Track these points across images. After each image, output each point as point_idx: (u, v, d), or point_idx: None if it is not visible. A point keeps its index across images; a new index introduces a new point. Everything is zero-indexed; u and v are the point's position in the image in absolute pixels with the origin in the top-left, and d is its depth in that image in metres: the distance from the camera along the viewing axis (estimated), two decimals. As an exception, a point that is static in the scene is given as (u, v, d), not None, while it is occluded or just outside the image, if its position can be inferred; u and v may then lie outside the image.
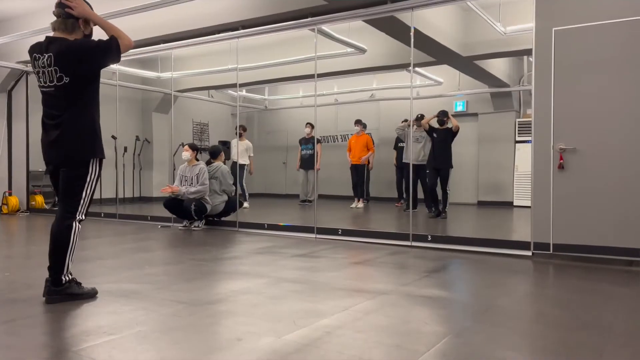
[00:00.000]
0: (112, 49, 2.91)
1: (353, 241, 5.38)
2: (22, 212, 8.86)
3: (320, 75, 7.29)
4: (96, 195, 10.01)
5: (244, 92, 11.70)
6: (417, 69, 8.65)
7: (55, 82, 2.90)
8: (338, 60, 7.91)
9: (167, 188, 6.30)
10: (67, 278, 2.96)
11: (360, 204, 9.14)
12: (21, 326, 2.56)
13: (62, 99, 2.92)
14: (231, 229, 6.40)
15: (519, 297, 3.33)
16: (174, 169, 9.31)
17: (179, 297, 3.05)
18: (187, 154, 6.48)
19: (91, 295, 3.05)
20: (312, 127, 9.59)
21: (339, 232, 5.60)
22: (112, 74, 8.78)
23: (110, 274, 3.80)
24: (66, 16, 2.93)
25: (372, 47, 7.68)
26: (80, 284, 3.05)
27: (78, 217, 2.98)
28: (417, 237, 5.14)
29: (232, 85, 9.80)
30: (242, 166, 9.24)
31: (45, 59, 2.90)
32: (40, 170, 8.70)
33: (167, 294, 3.13)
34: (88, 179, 2.98)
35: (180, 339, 2.31)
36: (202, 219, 6.45)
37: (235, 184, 7.00)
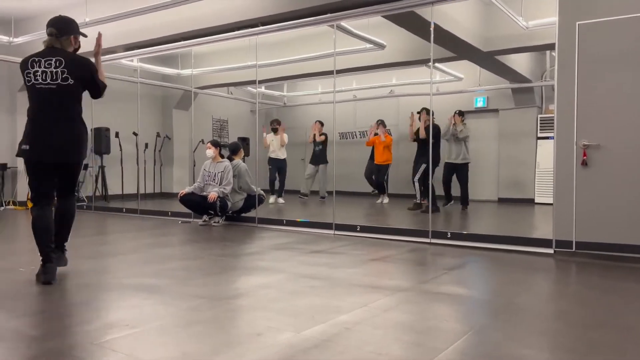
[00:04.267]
0: (100, 91, 3.51)
1: (372, 238, 5.37)
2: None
3: (339, 72, 7.28)
4: (118, 191, 10.10)
5: (263, 89, 11.74)
6: (437, 64, 8.57)
7: (59, 81, 3.31)
8: (357, 56, 7.89)
9: (212, 195, 6.24)
10: (66, 249, 3.62)
11: (386, 199, 9.23)
12: (46, 319, 2.62)
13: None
14: (250, 224, 6.44)
15: (540, 294, 3.28)
16: (194, 165, 9.41)
17: (199, 292, 3.09)
18: (210, 151, 6.54)
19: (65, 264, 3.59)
20: (322, 124, 9.66)
21: (358, 229, 5.59)
22: (134, 72, 8.90)
23: (132, 268, 3.86)
24: (60, 35, 3.42)
25: (391, 42, 7.64)
26: (65, 250, 3.64)
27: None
28: (437, 234, 5.10)
29: (252, 82, 9.88)
30: (279, 161, 9.36)
31: (53, 61, 3.32)
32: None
33: (187, 289, 3.17)
34: None
35: (200, 333, 2.34)
36: (223, 215, 6.50)
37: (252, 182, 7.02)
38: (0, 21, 8.39)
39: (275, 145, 9.41)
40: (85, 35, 3.58)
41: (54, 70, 3.28)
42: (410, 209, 7.80)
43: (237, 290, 3.23)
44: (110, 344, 2.15)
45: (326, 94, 11.36)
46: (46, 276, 3.22)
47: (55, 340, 2.25)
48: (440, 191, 7.88)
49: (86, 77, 3.39)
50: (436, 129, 7.51)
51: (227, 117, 12.52)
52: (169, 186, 11.07)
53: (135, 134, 9.56)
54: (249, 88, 11.48)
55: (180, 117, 11.32)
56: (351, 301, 2.88)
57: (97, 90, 3.48)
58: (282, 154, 9.47)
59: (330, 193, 8.52)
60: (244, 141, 10.59)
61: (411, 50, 7.79)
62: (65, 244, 3.61)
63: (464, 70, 9.59)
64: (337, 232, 5.67)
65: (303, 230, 5.91)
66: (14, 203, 9.08)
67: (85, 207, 8.64)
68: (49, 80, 3.28)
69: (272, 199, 9.16)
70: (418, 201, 7.90)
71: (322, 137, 9.63)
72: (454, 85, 9.94)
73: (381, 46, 7.50)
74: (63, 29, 3.43)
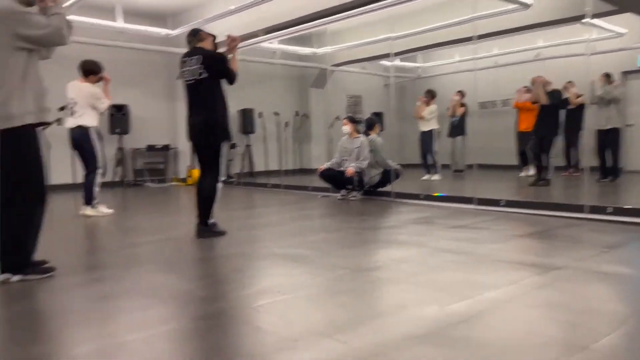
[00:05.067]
0: (232, 80, 4.03)
1: (517, 213, 5.06)
2: (203, 183, 10.00)
3: (481, 37, 6.86)
4: (262, 168, 10.73)
5: (397, 62, 11.56)
6: (594, 19, 7.65)
7: (197, 76, 3.93)
8: (498, 20, 7.36)
9: (349, 170, 6.39)
10: (211, 221, 4.08)
11: (531, 172, 8.53)
12: (211, 283, 2.93)
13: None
14: (386, 199, 6.47)
15: None
16: (330, 142, 9.67)
17: (341, 263, 3.20)
18: (346, 127, 6.67)
19: (222, 233, 4.10)
20: (462, 95, 9.13)
21: (501, 203, 5.31)
22: (273, 54, 9.35)
23: (279, 240, 4.12)
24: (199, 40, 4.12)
25: (537, 1, 6.99)
26: (216, 224, 4.13)
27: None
28: (594, 209, 4.63)
29: (386, 56, 9.76)
30: (428, 133, 8.83)
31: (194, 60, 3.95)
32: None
33: (330, 260, 3.30)
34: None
35: (346, 302, 2.43)
36: (360, 190, 6.62)
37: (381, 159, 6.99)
38: (159, 16, 9.34)
39: (426, 113, 8.87)
40: (214, 37, 4.21)
41: (195, 67, 3.92)
42: (532, 184, 7.20)
43: (377, 263, 3.28)
44: (264, 308, 2.33)
45: (464, 63, 10.82)
46: (196, 234, 4.06)
47: (219, 302, 2.51)
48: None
49: (219, 69, 3.94)
50: (557, 94, 7.10)
51: (361, 93, 12.60)
52: (308, 162, 11.53)
53: (276, 113, 10.10)
54: (383, 62, 11.37)
55: (316, 96, 11.65)
56: (498, 277, 2.76)
57: (230, 79, 4.00)
58: (428, 126, 8.86)
59: (470, 166, 8.17)
60: (378, 116, 10.58)
61: (560, 7, 7.05)
62: (210, 220, 4.07)
63: (626, 24, 8.42)
64: (478, 207, 5.44)
65: (441, 204, 5.77)
66: (177, 179, 10.20)
67: (234, 183, 9.39)
68: (191, 77, 3.95)
69: (426, 176, 8.78)
70: (531, 173, 7.50)
71: (462, 109, 9.18)
72: (612, 42, 8.80)
73: (525, 6, 6.90)
74: (197, 34, 4.15)
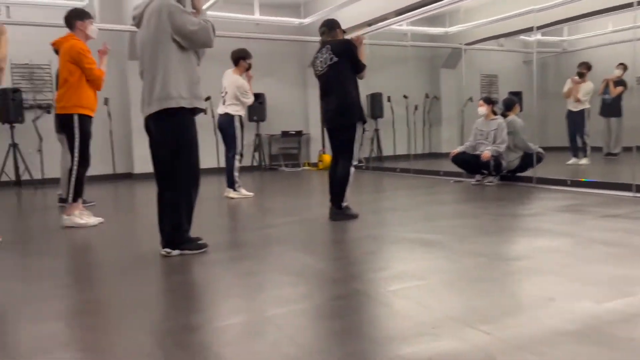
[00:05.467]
0: (360, 69, 4.12)
1: (688, 201, 4.40)
2: (333, 167, 10.24)
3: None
4: (389, 152, 10.67)
5: (539, 36, 10.64)
6: None
7: (328, 62, 4.13)
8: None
9: (485, 154, 6.06)
10: (345, 204, 4.17)
11: None
12: (345, 264, 2.99)
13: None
14: (527, 184, 6.03)
15: None
16: (463, 125, 9.27)
17: (479, 250, 3.06)
18: (482, 109, 6.34)
19: (355, 215, 4.17)
20: (625, 68, 8.06)
21: (667, 191, 4.66)
22: (404, 35, 9.17)
23: (411, 224, 4.06)
24: (329, 30, 4.25)
25: None
26: (350, 209, 4.20)
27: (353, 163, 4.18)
28: None
29: (528, 30, 9.04)
30: (579, 113, 7.98)
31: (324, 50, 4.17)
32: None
33: (466, 246, 3.18)
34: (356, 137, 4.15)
35: (486, 290, 2.32)
36: (497, 175, 6.26)
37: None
38: (293, 6, 9.66)
39: (581, 94, 7.99)
40: (344, 32, 4.42)
41: (325, 56, 4.13)
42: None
43: (519, 252, 3.08)
44: (401, 292, 2.31)
45: (619, 33, 9.61)
46: (330, 216, 4.19)
47: (355, 282, 2.55)
48: None
49: (347, 54, 4.06)
50: None
51: (497, 72, 11.85)
52: (438, 146, 11.20)
53: (405, 97, 9.93)
54: (522, 37, 10.55)
55: (447, 77, 11.22)
56: (666, 274, 2.43)
57: (358, 67, 4.10)
58: (579, 106, 7.98)
59: (628, 149, 7.27)
60: (517, 95, 9.87)
61: None
62: (343, 203, 4.17)
63: None
64: (638, 195, 4.84)
65: (592, 191, 5.23)
66: (309, 164, 10.57)
67: (363, 167, 9.47)
68: (323, 66, 4.15)
69: (572, 160, 8.00)
70: None
71: (620, 90, 8.10)
72: None
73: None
74: (330, 26, 4.27)
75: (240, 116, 5.76)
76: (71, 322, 2.17)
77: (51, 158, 8.09)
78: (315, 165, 10.34)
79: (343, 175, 4.13)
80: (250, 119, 9.63)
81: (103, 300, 2.45)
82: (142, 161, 8.39)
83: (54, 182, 8.25)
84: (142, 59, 3.11)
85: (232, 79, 5.76)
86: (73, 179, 4.23)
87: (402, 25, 8.95)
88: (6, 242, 3.72)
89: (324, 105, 4.25)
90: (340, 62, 4.06)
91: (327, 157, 10.30)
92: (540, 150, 6.27)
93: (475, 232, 3.66)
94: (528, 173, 6.20)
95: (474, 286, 2.40)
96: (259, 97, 9.65)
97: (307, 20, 9.07)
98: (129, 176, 9.08)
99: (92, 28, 4.32)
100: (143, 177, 8.39)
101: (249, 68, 5.84)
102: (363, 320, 2.04)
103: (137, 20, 3.15)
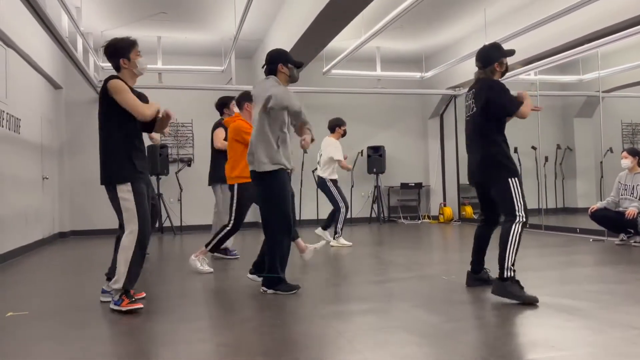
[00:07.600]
0: (508, 112, 3.48)
1: None
2: (455, 221, 9.89)
3: None
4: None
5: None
6: None
7: (470, 111, 3.56)
8: None
9: (631, 211, 5.49)
10: (509, 274, 3.23)
11: None
12: (474, 327, 2.80)
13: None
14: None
15: None
16: (601, 177, 8.47)
17: (631, 321, 2.70)
18: (626, 161, 5.79)
19: (530, 301, 3.12)
20: None
21: None
22: (531, 85, 8.79)
23: (546, 286, 3.73)
24: (484, 67, 3.50)
25: None
26: (522, 287, 3.21)
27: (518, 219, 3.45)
28: None
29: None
30: None
31: (471, 94, 3.56)
32: (468, 183, 9.51)
33: (614, 316, 2.82)
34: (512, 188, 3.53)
35: (644, 370, 2.02)
36: (644, 234, 5.58)
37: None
38: (414, 60, 9.79)
39: None
40: (512, 54, 3.51)
41: (470, 102, 3.56)
42: None
43: (683, 327, 2.66)
44: (539, 363, 2.10)
45: None
46: (467, 283, 3.75)
47: (486, 350, 2.37)
48: None
49: (489, 99, 3.37)
50: None
51: (640, 119, 10.78)
52: (572, 201, 10.33)
53: (533, 148, 9.38)
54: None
55: (582, 126, 10.44)
56: None
57: (504, 111, 3.42)
58: None
59: None
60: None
61: None
62: (507, 267, 3.26)
63: None
64: None
65: None
66: (428, 217, 10.32)
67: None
68: (467, 112, 3.60)
69: None
70: None
71: None
72: None
73: None
74: (485, 59, 3.48)
75: (331, 179, 6.32)
76: None
77: (189, 206, 8.85)
78: (435, 218, 10.06)
79: (504, 234, 3.43)
80: (370, 171, 9.73)
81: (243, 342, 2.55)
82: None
83: (191, 229, 9.01)
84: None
85: (327, 142, 6.40)
86: (221, 235, 4.50)
87: (529, 74, 8.61)
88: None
89: (468, 157, 3.70)
90: (477, 114, 3.46)
91: (448, 210, 9.99)
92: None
93: (623, 299, 3.25)
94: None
95: (628, 363, 2.11)
96: (378, 150, 9.77)
97: (428, 74, 9.10)
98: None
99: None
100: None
101: (344, 134, 6.46)
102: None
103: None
